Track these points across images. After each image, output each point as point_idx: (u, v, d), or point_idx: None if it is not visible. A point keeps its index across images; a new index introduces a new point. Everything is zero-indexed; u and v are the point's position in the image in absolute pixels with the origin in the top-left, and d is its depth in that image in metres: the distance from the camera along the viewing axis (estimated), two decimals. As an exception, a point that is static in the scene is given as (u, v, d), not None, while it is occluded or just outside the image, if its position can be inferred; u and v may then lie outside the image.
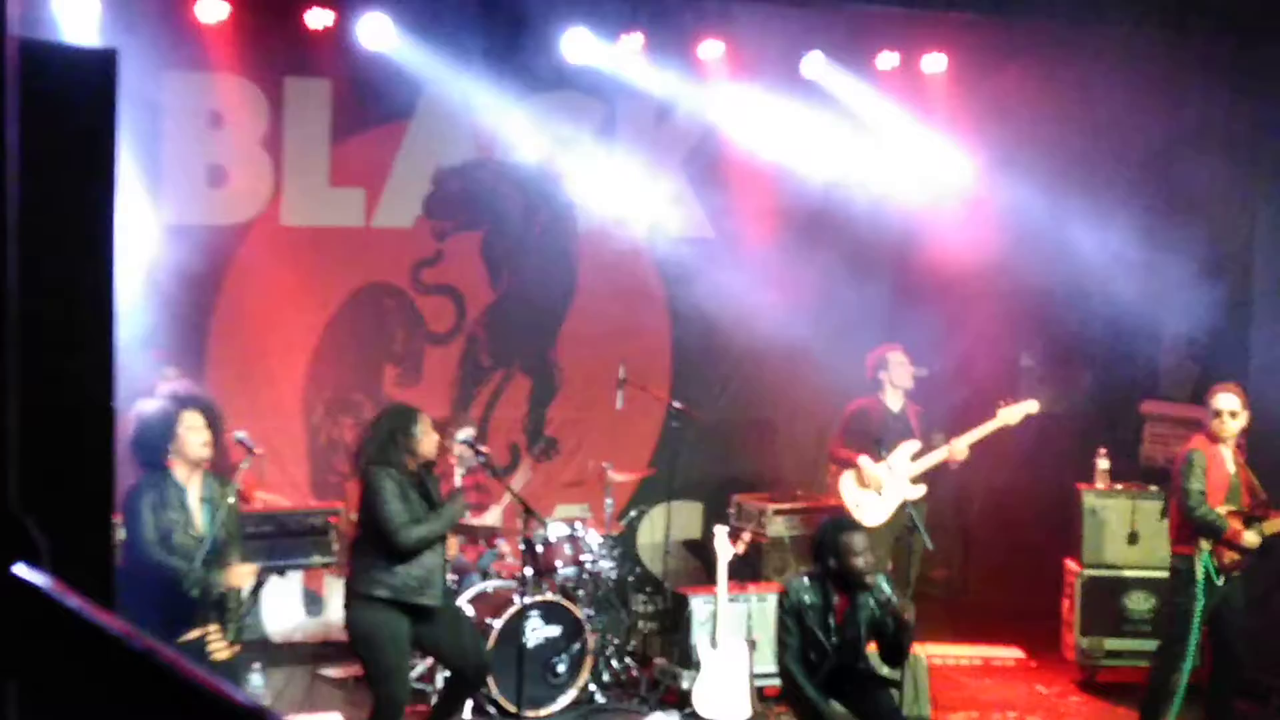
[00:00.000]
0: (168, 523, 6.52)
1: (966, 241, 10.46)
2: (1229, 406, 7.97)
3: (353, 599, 7.09)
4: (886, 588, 6.94)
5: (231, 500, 6.73)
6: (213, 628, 6.64)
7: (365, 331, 10.12)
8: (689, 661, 8.63)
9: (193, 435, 6.62)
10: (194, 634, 6.56)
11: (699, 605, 8.76)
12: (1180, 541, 8.05)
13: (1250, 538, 7.87)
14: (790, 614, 7.01)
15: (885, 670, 7.23)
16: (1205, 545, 7.88)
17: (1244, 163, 9.68)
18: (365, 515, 7.09)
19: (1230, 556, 7.90)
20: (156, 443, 6.57)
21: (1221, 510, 7.91)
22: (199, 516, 6.63)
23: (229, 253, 9.67)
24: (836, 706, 7.08)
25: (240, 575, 6.72)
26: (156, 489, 6.55)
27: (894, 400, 9.37)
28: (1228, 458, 8.02)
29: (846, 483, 9.30)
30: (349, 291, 10.08)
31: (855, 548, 6.86)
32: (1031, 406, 9.17)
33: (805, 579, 7.09)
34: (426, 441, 7.16)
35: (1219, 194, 9.78)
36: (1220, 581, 7.88)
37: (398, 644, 7.08)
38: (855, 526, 7.29)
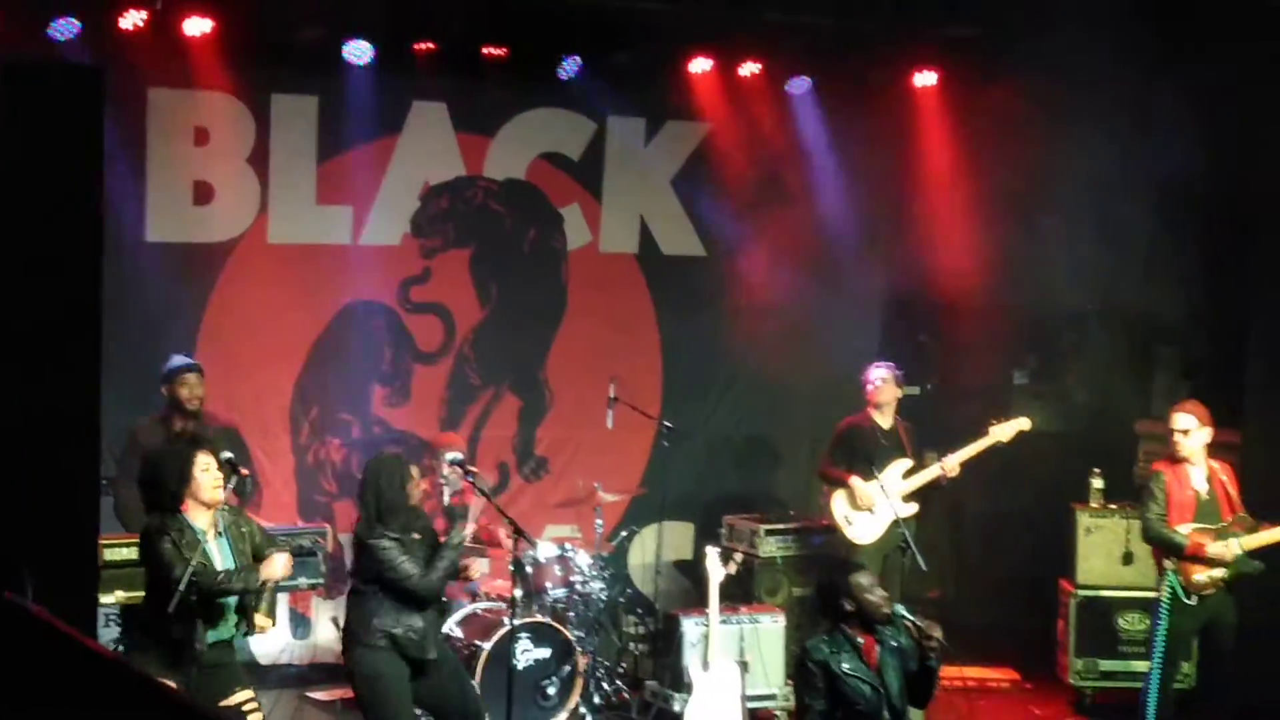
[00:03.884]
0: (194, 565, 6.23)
1: (957, 259, 10.40)
2: (1180, 425, 7.91)
3: (353, 643, 6.87)
4: (907, 613, 6.46)
5: (247, 529, 6.58)
6: (248, 694, 6.52)
7: (353, 350, 10.02)
8: (680, 684, 8.55)
9: (206, 477, 6.39)
10: (236, 699, 6.39)
11: (690, 627, 8.68)
12: (1157, 565, 8.02)
13: (1216, 548, 7.74)
14: (819, 670, 6.39)
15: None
16: (1170, 565, 7.83)
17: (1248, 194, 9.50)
18: (369, 575, 6.86)
19: (1199, 575, 7.78)
20: (171, 486, 6.36)
21: (1185, 529, 7.83)
22: (218, 554, 6.42)
23: (215, 270, 9.60)
24: None
25: (275, 567, 6.47)
26: (178, 532, 6.32)
27: (884, 417, 9.30)
28: (1195, 476, 7.94)
29: (838, 501, 9.24)
30: (336, 310, 10.00)
31: (865, 583, 6.60)
32: (1024, 424, 9.10)
33: (823, 636, 6.54)
34: (416, 493, 6.98)
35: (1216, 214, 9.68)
36: (1191, 601, 7.80)
37: (401, 692, 6.86)
38: (855, 565, 7.03)
